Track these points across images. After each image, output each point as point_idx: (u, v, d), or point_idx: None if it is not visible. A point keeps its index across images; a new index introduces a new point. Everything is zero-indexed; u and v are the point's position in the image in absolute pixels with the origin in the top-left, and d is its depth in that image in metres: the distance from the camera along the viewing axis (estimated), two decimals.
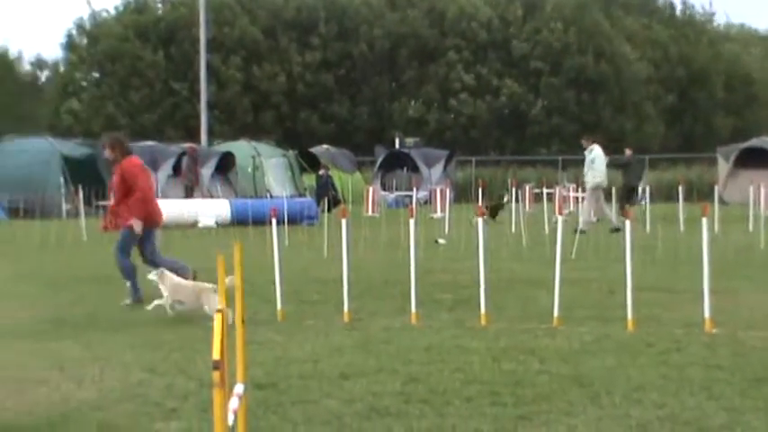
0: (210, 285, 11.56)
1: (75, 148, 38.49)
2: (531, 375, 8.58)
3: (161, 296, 12.00)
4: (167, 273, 12.17)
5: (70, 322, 11.66)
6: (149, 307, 12.04)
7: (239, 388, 5.83)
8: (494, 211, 30.83)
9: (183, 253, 20.40)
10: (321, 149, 49.65)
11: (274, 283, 11.92)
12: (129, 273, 13.26)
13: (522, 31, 68.67)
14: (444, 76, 68.22)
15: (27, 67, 79.94)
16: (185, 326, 11.28)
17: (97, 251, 20.96)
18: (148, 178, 13.68)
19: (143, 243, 13.42)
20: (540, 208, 28.54)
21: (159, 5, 71.23)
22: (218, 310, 4.98)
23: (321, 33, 68.55)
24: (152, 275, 12.21)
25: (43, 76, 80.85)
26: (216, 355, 4.61)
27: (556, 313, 11.04)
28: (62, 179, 34.85)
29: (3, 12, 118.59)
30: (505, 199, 22.92)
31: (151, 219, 13.44)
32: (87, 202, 28.20)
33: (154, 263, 13.13)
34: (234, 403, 5.42)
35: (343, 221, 11.82)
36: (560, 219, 11.86)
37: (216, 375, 4.60)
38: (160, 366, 9.06)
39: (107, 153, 13.54)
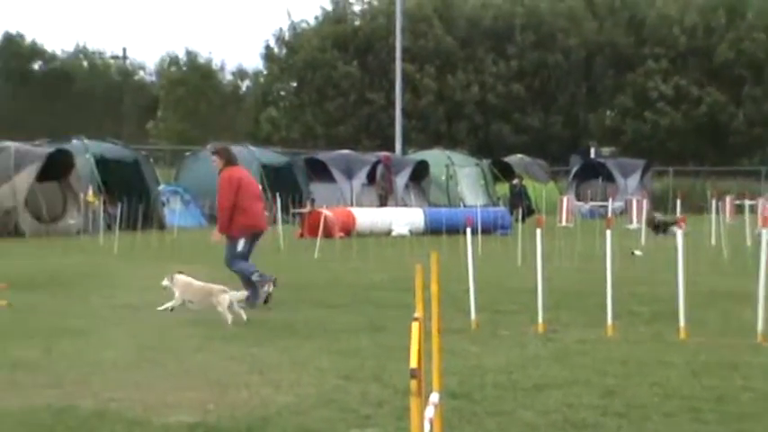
0: (219, 287, 12.42)
1: (273, 156, 39.34)
2: (734, 392, 8.31)
3: (173, 298, 12.68)
4: (179, 275, 12.77)
5: (268, 327, 11.91)
6: (160, 308, 12.68)
7: (435, 397, 5.83)
8: (657, 226, 29.93)
9: (377, 261, 20.66)
10: (515, 159, 49.53)
11: (468, 293, 11.90)
12: (248, 270, 13.87)
13: (724, 39, 66.70)
14: (641, 86, 66.95)
15: (229, 77, 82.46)
16: (379, 333, 11.37)
17: (293, 258, 21.39)
18: (236, 191, 13.87)
19: (231, 246, 14.03)
20: (742, 220, 27.69)
21: (357, 16, 72.19)
22: (415, 319, 4.97)
23: (517, 42, 68.23)
24: (165, 281, 12.79)
25: (244, 85, 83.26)
26: (413, 364, 4.62)
27: (760, 329, 10.65)
28: (260, 187, 35.62)
29: (207, 25, 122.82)
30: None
31: (240, 227, 13.95)
32: (284, 210, 28.69)
33: (230, 266, 14.04)
34: (429, 412, 5.42)
35: (538, 231, 11.72)
36: (764, 231, 11.46)
37: (413, 384, 4.60)
38: (355, 373, 9.14)
39: (214, 161, 14.20)
